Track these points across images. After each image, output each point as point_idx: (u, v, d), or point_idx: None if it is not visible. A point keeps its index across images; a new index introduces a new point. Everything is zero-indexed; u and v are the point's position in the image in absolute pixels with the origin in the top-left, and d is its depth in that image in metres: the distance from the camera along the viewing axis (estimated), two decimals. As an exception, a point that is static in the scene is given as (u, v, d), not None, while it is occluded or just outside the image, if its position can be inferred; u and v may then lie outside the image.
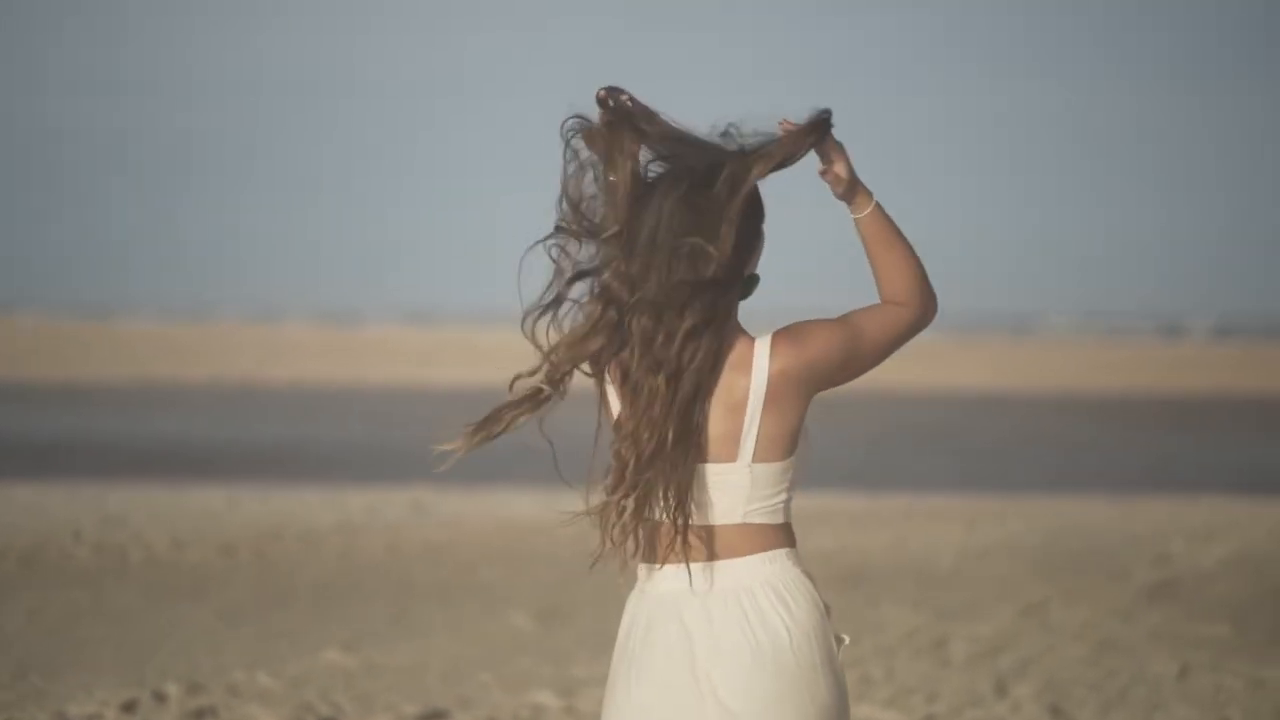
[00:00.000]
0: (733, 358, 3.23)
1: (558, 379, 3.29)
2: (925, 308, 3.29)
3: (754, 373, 3.22)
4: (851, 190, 3.27)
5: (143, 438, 25.93)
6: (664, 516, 3.21)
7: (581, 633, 9.76)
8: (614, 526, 3.25)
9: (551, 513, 16.16)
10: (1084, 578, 11.81)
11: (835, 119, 3.23)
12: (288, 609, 10.43)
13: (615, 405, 3.30)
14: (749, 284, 3.27)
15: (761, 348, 3.23)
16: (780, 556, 3.26)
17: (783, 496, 3.26)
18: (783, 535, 3.27)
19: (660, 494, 3.19)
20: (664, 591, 3.26)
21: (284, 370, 48.43)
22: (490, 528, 14.59)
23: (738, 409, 3.22)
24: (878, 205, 3.28)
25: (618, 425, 3.26)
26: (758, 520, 3.25)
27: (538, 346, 3.27)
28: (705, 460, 3.23)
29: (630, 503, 3.21)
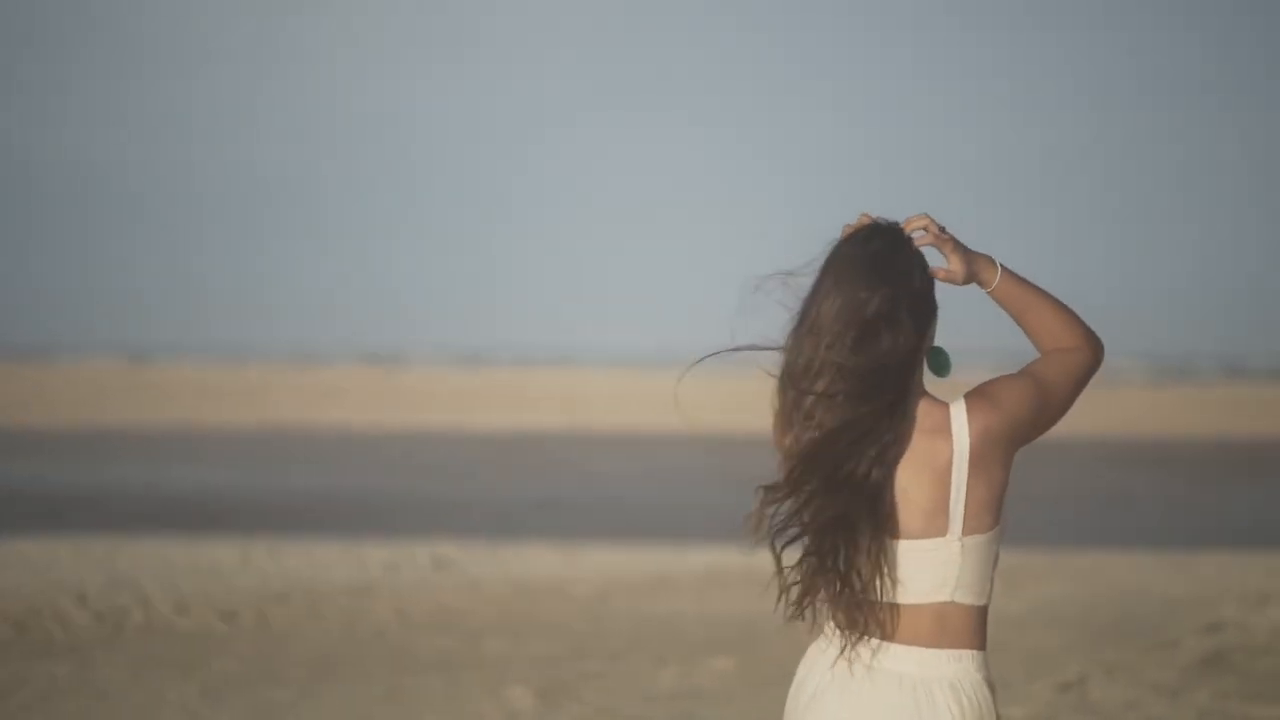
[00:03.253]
0: (929, 424, 3.16)
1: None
2: (1095, 347, 3.25)
3: (955, 437, 3.14)
4: (973, 272, 3.23)
5: (165, 488, 25.44)
6: (858, 592, 3.16)
7: (580, 714, 9.14)
8: (791, 597, 3.21)
9: (570, 570, 15.62)
10: (1128, 649, 11.11)
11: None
12: (279, 684, 9.84)
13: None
14: (936, 358, 3.21)
15: (958, 411, 3.16)
16: (967, 658, 3.18)
17: (989, 570, 3.17)
18: (978, 629, 3.18)
19: (847, 569, 3.14)
20: (840, 664, 3.20)
21: (321, 415, 47.99)
22: (507, 591, 13.98)
23: (942, 477, 3.13)
24: (1004, 270, 3.24)
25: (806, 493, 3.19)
26: (965, 600, 3.15)
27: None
28: (908, 535, 3.14)
29: (801, 574, 3.18)
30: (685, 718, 9.08)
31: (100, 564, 15.09)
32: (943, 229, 3.25)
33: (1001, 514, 3.19)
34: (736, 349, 3.25)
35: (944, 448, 3.14)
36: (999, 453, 3.16)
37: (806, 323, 3.18)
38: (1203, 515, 23.22)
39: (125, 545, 16.93)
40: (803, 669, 3.26)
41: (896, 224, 3.25)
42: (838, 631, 3.21)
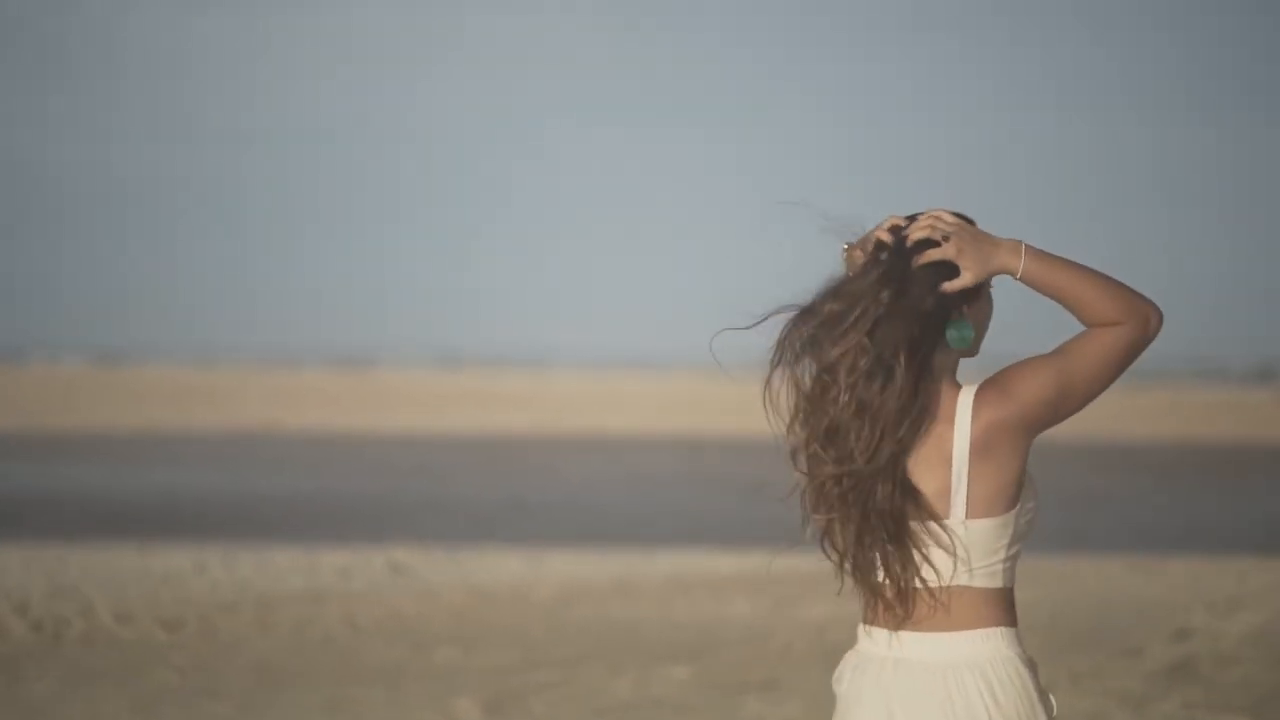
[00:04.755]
0: (941, 412, 3.15)
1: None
2: (1140, 320, 3.15)
3: (957, 425, 3.13)
4: (992, 268, 3.18)
5: (125, 492, 25.07)
6: (882, 578, 3.16)
7: (528, 729, 8.84)
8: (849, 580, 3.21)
9: (532, 574, 15.33)
10: (1095, 656, 10.83)
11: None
12: (217, 697, 9.52)
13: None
14: (956, 332, 3.18)
15: (965, 400, 3.15)
16: (995, 636, 3.15)
17: (1001, 556, 3.15)
18: (1002, 608, 3.17)
19: (874, 553, 3.15)
20: (874, 654, 3.20)
21: (291, 417, 47.60)
22: (461, 598, 13.67)
23: (945, 464, 3.14)
24: (1029, 253, 3.17)
25: (824, 480, 3.19)
26: (977, 583, 3.15)
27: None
28: (921, 519, 3.14)
29: (850, 562, 3.18)
30: (635, 731, 8.78)
31: (47, 572, 14.74)
32: (949, 233, 3.19)
33: (1021, 498, 3.15)
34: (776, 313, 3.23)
35: (948, 435, 3.14)
36: (1008, 442, 3.14)
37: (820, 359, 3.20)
38: (1174, 519, 22.99)
39: (76, 552, 16.59)
40: (843, 664, 3.26)
41: (902, 242, 3.20)
42: (862, 625, 3.23)
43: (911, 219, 3.25)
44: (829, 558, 3.20)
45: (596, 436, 42.31)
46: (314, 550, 17.09)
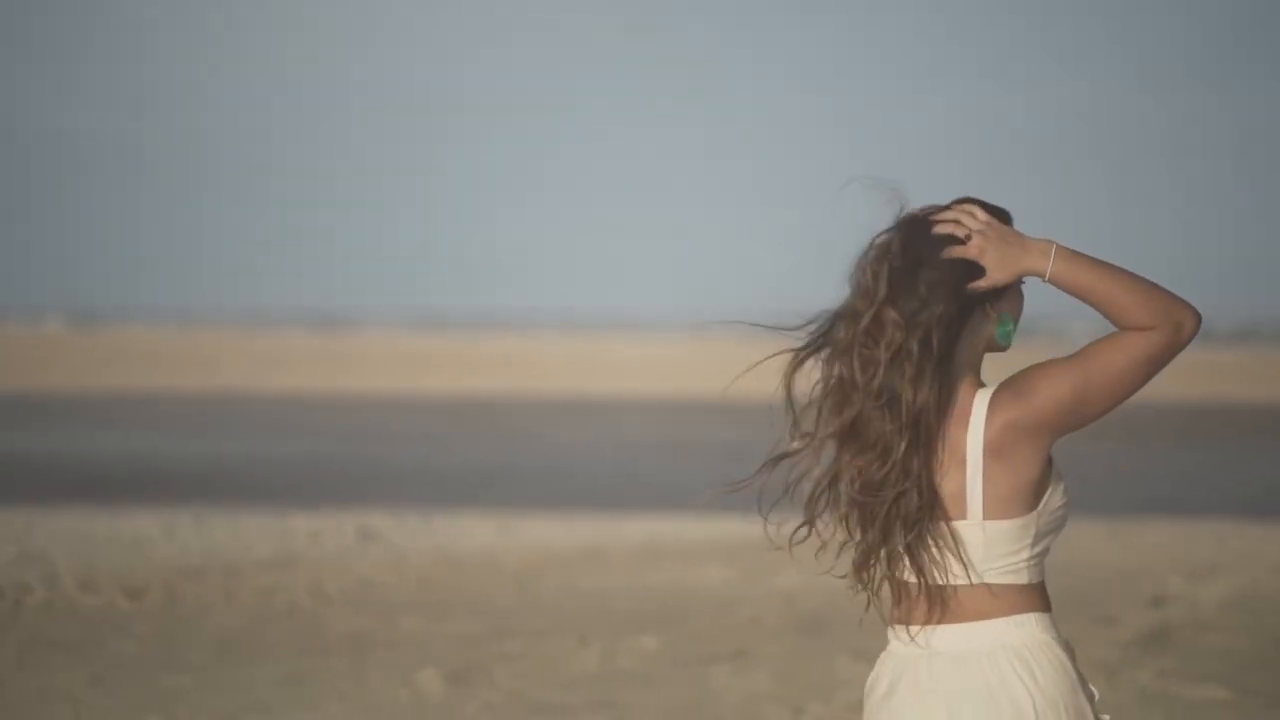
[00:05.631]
0: (958, 410, 3.13)
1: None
2: (1177, 323, 3.09)
3: (971, 425, 3.11)
4: (1019, 270, 3.14)
5: (97, 456, 24.88)
6: (904, 578, 3.15)
7: (490, 700, 8.68)
8: (873, 582, 3.18)
9: (503, 541, 15.18)
10: (1070, 624, 10.66)
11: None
12: (176, 668, 9.35)
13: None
14: (1001, 328, 3.16)
15: (981, 401, 3.12)
16: (1029, 621, 3.12)
17: (1024, 555, 3.11)
18: (1031, 598, 3.13)
19: (899, 555, 3.13)
20: (905, 654, 3.17)
21: (268, 380, 47.38)
22: (431, 563, 13.51)
23: (960, 464, 3.11)
24: (1058, 254, 3.12)
25: (846, 472, 3.17)
26: (997, 581, 3.12)
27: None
28: (943, 519, 3.12)
29: (880, 558, 3.16)
30: (600, 704, 8.64)
31: (15, 537, 14.57)
32: (974, 230, 3.14)
33: (1045, 498, 3.12)
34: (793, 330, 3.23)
35: (963, 435, 3.12)
36: (1023, 444, 3.10)
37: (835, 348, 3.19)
38: (1151, 482, 22.90)
39: (45, 517, 16.40)
40: (876, 667, 3.23)
41: (925, 230, 3.15)
42: (890, 627, 3.21)
43: (951, 206, 3.21)
44: (854, 563, 3.19)
45: (579, 399, 42.16)
46: (286, 515, 16.93)
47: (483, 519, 17.07)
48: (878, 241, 3.20)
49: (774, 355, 3.21)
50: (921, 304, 3.13)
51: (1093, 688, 3.17)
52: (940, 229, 3.15)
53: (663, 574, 13.12)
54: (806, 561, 3.27)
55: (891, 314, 3.13)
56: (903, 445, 3.11)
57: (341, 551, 14.16)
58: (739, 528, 15.27)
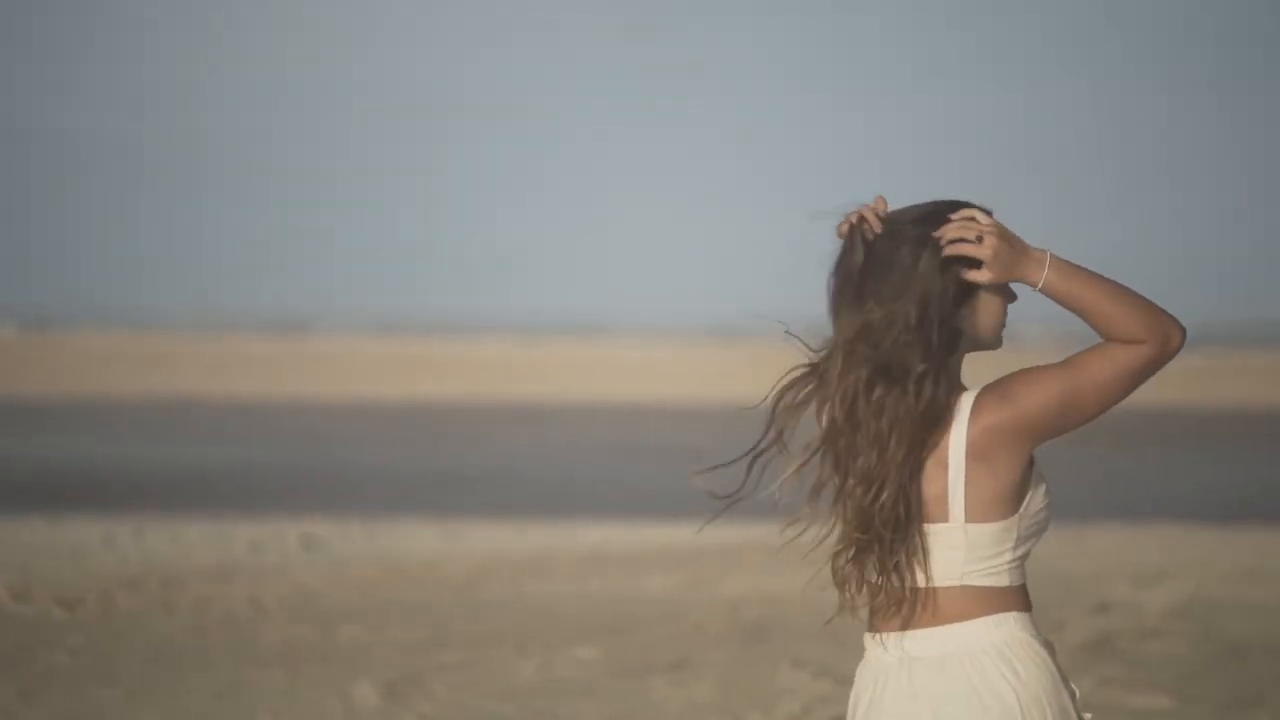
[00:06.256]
0: (943, 412, 3.14)
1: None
2: (1164, 338, 3.14)
3: (954, 430, 3.11)
4: (1014, 276, 3.16)
5: (39, 462, 24.63)
6: (882, 580, 3.13)
7: (426, 712, 8.55)
8: (851, 586, 3.16)
9: (447, 548, 15.05)
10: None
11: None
12: (108, 681, 9.20)
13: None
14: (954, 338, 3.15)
15: (965, 403, 3.12)
16: (1008, 620, 3.12)
17: (1005, 558, 3.12)
18: (1012, 598, 3.14)
19: (879, 556, 3.13)
20: (885, 663, 3.15)
21: (221, 384, 47.09)
22: (372, 573, 13.37)
23: (943, 467, 3.11)
24: (1053, 265, 3.15)
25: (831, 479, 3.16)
26: (979, 583, 3.12)
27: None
28: (926, 521, 3.12)
29: (855, 562, 3.15)
30: (538, 715, 8.52)
31: (-48, 546, 14.38)
32: (984, 233, 3.16)
33: (1026, 502, 3.13)
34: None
35: (945, 438, 3.13)
36: (1004, 448, 3.12)
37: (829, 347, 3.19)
38: (1098, 487, 22.91)
39: (-16, 525, 16.21)
40: (856, 682, 3.23)
41: (924, 231, 3.16)
42: (868, 634, 3.21)
43: (942, 207, 3.21)
44: (834, 567, 3.17)
45: (532, 404, 42.01)
46: (227, 523, 16.76)
47: (426, 526, 16.94)
48: (849, 248, 3.21)
49: (791, 370, 3.20)
50: (904, 286, 3.15)
51: (1074, 685, 3.16)
52: (951, 230, 3.18)
53: (608, 581, 13.01)
54: (797, 563, 3.19)
55: (874, 305, 3.14)
56: (890, 445, 3.11)
57: (283, 560, 14.01)
58: (687, 535, 15.18)
